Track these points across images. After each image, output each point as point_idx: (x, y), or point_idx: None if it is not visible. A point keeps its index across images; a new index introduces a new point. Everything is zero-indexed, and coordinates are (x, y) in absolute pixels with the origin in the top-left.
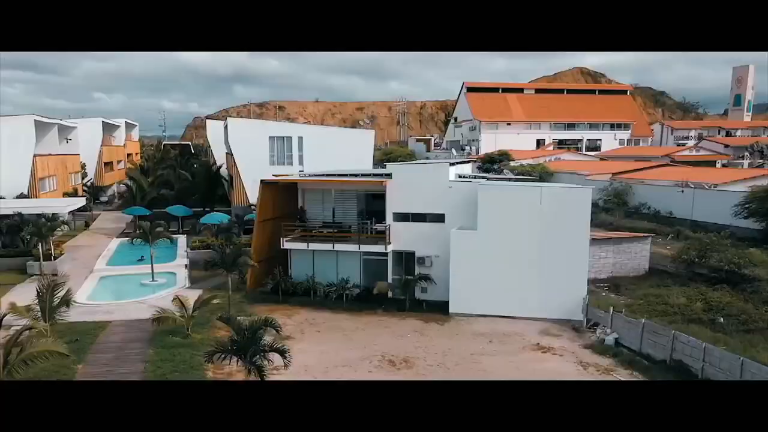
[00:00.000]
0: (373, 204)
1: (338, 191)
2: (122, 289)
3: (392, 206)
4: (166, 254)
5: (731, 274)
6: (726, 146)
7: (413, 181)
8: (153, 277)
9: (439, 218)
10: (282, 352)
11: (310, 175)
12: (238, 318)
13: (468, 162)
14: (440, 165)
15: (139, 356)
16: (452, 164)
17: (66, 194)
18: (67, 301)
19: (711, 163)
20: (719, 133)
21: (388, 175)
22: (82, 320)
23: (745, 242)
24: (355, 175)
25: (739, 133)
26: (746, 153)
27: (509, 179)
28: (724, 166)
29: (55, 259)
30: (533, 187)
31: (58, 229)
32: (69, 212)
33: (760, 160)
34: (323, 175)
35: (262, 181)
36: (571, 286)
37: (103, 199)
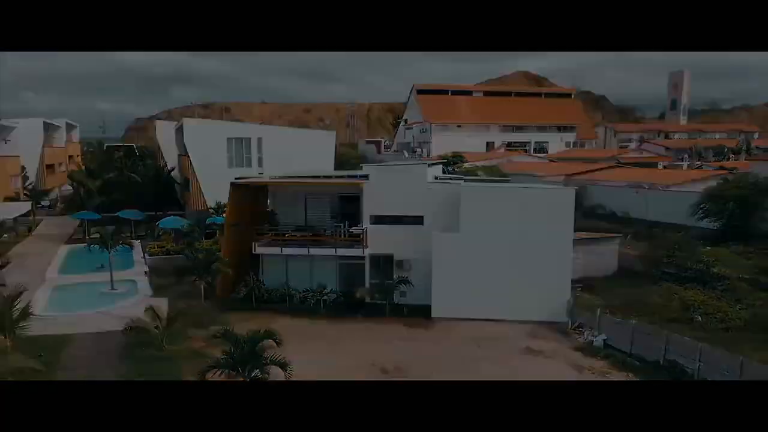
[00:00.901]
0: (346, 206)
1: (311, 193)
2: (80, 299)
3: (369, 208)
4: (121, 261)
5: (700, 273)
6: (667, 149)
7: (391, 183)
8: (113, 285)
9: (418, 220)
10: (283, 366)
11: (281, 177)
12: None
13: (440, 163)
14: (419, 166)
15: (113, 372)
16: (429, 165)
17: (7, 199)
18: (25, 314)
19: (654, 165)
20: (659, 136)
21: (365, 177)
22: (42, 334)
23: (701, 242)
24: (329, 177)
25: (677, 135)
26: (686, 155)
27: (483, 180)
28: (665, 167)
29: (2, 268)
30: (517, 188)
31: (5, 235)
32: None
33: (699, 162)
34: (296, 176)
35: (232, 183)
36: (555, 287)
37: (45, 203)
